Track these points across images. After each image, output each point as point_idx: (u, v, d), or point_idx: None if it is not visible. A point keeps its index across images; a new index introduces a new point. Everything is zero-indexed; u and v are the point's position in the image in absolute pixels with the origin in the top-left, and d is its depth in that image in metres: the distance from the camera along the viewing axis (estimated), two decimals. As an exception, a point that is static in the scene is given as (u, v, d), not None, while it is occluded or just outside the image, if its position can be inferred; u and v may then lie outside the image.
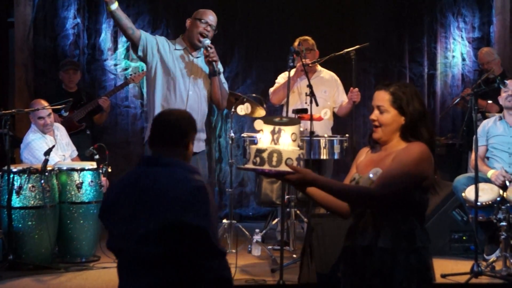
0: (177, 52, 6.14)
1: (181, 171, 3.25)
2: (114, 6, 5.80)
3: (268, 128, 3.40)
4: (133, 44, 6.09)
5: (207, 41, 6.00)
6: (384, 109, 3.50)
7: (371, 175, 3.41)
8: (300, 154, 3.34)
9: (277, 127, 3.37)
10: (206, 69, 6.18)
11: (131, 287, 3.20)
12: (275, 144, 3.35)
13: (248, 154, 3.42)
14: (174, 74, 6.06)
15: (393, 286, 3.35)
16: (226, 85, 6.33)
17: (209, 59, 5.97)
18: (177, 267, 3.13)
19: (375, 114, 3.53)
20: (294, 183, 3.34)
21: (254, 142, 6.38)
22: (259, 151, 3.32)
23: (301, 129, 6.98)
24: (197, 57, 6.18)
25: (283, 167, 3.29)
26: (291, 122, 3.43)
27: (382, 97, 3.51)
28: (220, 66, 6.26)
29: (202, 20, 6.10)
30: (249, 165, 3.39)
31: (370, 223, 3.42)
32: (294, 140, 3.38)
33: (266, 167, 3.30)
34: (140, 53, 6.10)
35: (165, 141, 3.38)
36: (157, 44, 6.15)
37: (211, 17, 6.17)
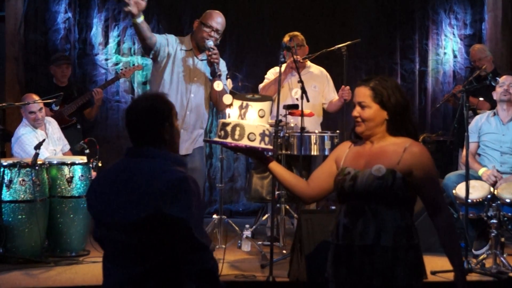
0: (183, 53, 6.25)
1: (163, 162, 3.20)
2: (140, 19, 5.88)
3: (237, 103, 3.44)
4: (146, 49, 6.19)
5: (210, 43, 6.08)
6: (366, 104, 3.50)
7: (373, 172, 3.40)
8: (265, 130, 3.37)
9: (245, 103, 3.41)
10: (208, 71, 6.28)
11: (114, 277, 3.18)
12: (242, 119, 3.38)
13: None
14: (178, 76, 6.21)
15: (394, 285, 3.34)
16: (227, 88, 6.37)
17: (210, 60, 6.03)
18: (159, 259, 3.11)
19: (357, 111, 3.54)
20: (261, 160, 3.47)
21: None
22: (224, 125, 3.38)
23: (292, 125, 6.99)
24: (202, 60, 6.25)
25: (245, 141, 3.33)
26: (261, 99, 3.45)
27: (363, 93, 3.52)
28: (225, 69, 6.39)
29: (207, 25, 6.19)
30: (215, 139, 3.48)
31: (371, 222, 3.40)
32: (261, 116, 3.41)
33: (228, 140, 3.34)
34: (151, 56, 6.28)
35: (140, 134, 3.29)
36: (167, 44, 6.26)
37: (216, 21, 6.23)
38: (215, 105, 6.46)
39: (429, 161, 3.47)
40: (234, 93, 6.76)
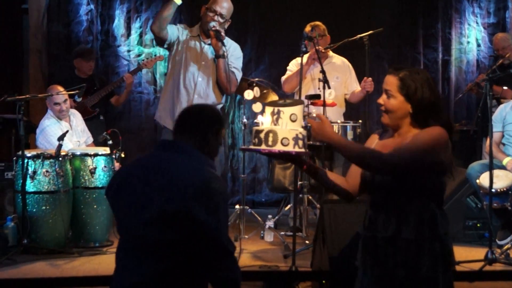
0: (190, 38, 6.34)
1: (197, 160, 3.20)
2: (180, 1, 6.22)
3: (268, 110, 3.45)
4: (160, 40, 6.40)
5: (212, 23, 6.17)
6: (391, 94, 3.42)
7: None
8: (298, 134, 3.35)
9: (276, 109, 3.41)
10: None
11: (132, 273, 3.13)
12: (275, 125, 3.38)
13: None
14: (186, 60, 6.25)
15: (419, 276, 3.30)
16: (238, 73, 6.39)
17: (213, 35, 6.16)
18: (181, 257, 3.07)
19: (382, 98, 3.47)
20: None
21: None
22: (258, 132, 3.39)
23: (314, 115, 6.97)
24: (209, 44, 6.31)
25: (279, 147, 3.33)
26: (291, 103, 3.45)
27: (390, 82, 3.44)
28: (240, 55, 6.55)
29: (211, 9, 6.30)
30: (250, 146, 3.49)
31: (392, 213, 3.36)
32: (293, 121, 3.40)
33: (262, 147, 3.35)
34: (165, 46, 6.49)
35: (184, 129, 3.32)
36: (177, 31, 6.44)
37: (221, 5, 6.34)
38: (222, 88, 6.43)
39: (429, 135, 3.33)
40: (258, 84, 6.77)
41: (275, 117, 3.43)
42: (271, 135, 3.36)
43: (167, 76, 6.52)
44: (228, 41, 6.48)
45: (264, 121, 3.48)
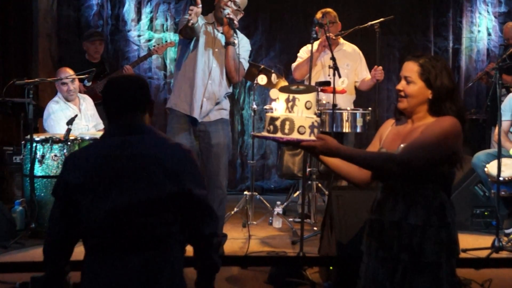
0: (207, 25, 6.25)
1: (159, 136, 3.13)
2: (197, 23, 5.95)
3: (283, 97, 3.41)
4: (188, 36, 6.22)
5: (227, 11, 6.05)
6: (411, 80, 3.43)
7: (397, 152, 3.37)
8: (313, 122, 3.33)
9: (291, 95, 3.38)
10: None
11: (116, 274, 2.99)
12: (290, 112, 3.36)
13: (264, 123, 3.46)
14: (201, 46, 6.16)
15: (422, 261, 3.32)
16: (245, 63, 6.33)
17: (227, 22, 6.02)
18: (170, 239, 3.05)
19: (401, 85, 3.47)
20: (315, 151, 3.33)
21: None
22: (273, 119, 3.35)
23: (324, 102, 6.96)
24: (222, 32, 6.26)
25: (295, 135, 3.31)
26: (306, 90, 3.42)
27: (410, 68, 3.45)
28: (248, 47, 6.42)
29: None
30: (263, 133, 3.44)
31: (401, 199, 3.37)
32: (308, 108, 3.37)
33: (278, 135, 3.32)
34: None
35: (134, 108, 3.14)
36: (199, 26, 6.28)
37: None
38: (229, 76, 6.33)
39: (442, 127, 3.33)
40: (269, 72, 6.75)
41: (290, 104, 3.39)
42: (287, 123, 3.33)
43: (180, 61, 6.39)
44: (239, 33, 6.37)
45: (278, 108, 3.45)
